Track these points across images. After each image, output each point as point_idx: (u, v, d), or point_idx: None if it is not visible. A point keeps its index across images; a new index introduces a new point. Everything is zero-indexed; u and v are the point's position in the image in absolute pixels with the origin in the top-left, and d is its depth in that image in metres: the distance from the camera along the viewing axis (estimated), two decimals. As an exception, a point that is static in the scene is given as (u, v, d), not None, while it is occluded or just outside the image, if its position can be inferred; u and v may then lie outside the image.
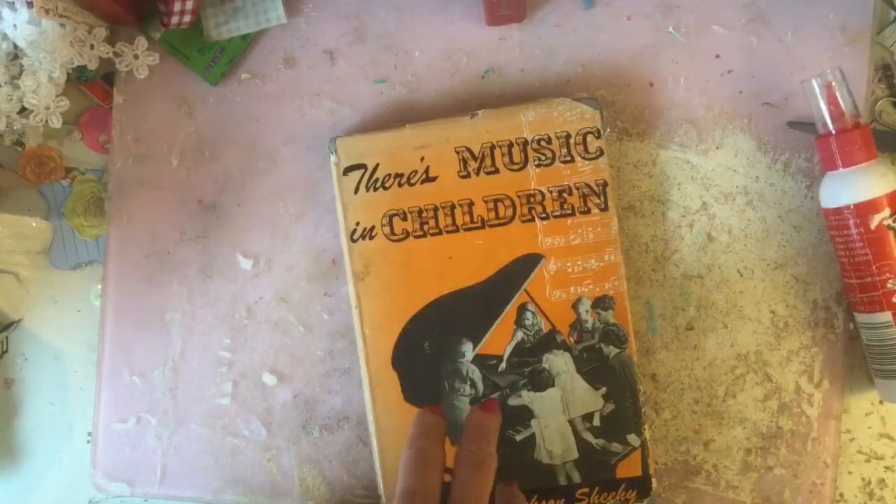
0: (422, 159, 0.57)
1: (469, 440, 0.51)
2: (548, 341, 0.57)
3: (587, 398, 0.56)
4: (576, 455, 0.56)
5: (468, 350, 0.57)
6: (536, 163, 0.56)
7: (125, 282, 0.61)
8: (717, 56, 0.58)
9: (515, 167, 0.57)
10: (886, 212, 0.52)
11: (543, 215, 0.56)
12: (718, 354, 0.58)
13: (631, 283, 0.58)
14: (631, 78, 0.59)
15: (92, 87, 0.62)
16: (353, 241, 0.57)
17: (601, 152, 0.56)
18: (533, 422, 0.57)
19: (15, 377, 0.64)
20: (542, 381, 0.57)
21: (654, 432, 0.58)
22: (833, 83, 0.53)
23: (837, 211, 0.54)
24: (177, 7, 0.57)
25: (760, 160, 0.58)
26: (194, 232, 0.61)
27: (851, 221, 0.53)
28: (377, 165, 0.57)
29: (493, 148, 0.57)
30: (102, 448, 0.61)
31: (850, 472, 0.59)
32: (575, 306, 0.56)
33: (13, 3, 0.56)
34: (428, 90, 0.60)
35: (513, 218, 0.56)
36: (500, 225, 0.57)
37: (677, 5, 0.58)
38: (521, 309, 0.56)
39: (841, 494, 0.59)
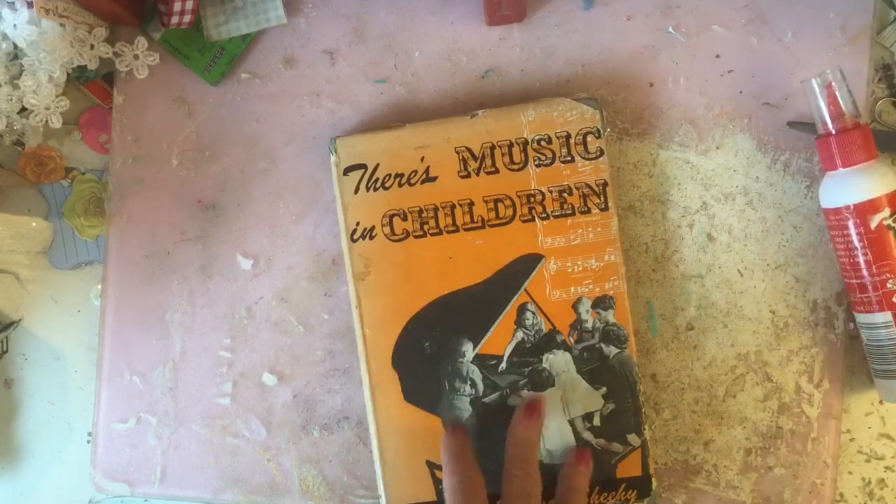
0: (422, 159, 0.57)
1: (514, 461, 0.53)
2: (548, 341, 0.57)
3: (587, 398, 0.56)
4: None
5: (468, 350, 0.57)
6: (536, 163, 0.56)
7: (125, 282, 0.61)
8: (717, 56, 0.58)
9: (515, 167, 0.57)
10: (886, 212, 0.52)
11: (543, 215, 0.56)
12: (718, 354, 0.58)
13: (631, 283, 0.58)
14: (631, 78, 0.59)
15: (92, 87, 0.62)
16: (353, 241, 0.57)
17: (601, 152, 0.56)
18: (533, 422, 0.57)
19: (15, 377, 0.64)
20: (542, 380, 0.57)
21: (654, 432, 0.58)
22: (833, 83, 0.53)
23: (837, 211, 0.54)
24: (177, 7, 0.57)
25: (760, 160, 0.58)
26: (194, 232, 0.61)
27: (851, 221, 0.53)
28: (377, 165, 0.57)
29: (493, 148, 0.57)
30: (102, 448, 0.61)
31: (850, 472, 0.59)
32: (575, 306, 0.56)
33: (13, 3, 0.56)
34: (428, 90, 0.60)
35: (513, 218, 0.56)
36: (500, 225, 0.57)
37: (677, 5, 0.58)
38: (522, 309, 0.56)
39: (841, 494, 0.59)
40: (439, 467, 0.56)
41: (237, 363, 0.61)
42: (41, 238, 0.64)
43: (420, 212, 0.57)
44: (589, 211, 0.56)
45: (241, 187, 0.61)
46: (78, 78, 0.61)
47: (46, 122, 0.60)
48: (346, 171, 0.57)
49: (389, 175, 0.57)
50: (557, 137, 0.56)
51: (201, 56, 0.60)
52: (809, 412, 0.58)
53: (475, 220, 0.57)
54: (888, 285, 0.53)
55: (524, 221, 0.56)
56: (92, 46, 0.59)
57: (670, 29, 0.58)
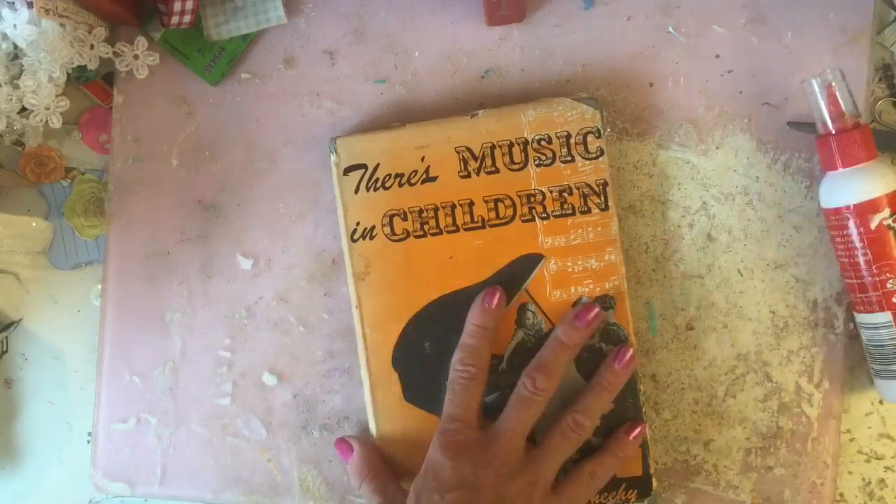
0: (422, 159, 0.57)
1: (534, 367, 0.54)
2: (548, 341, 0.56)
3: (587, 398, 0.56)
4: (576, 455, 0.56)
5: (468, 350, 0.57)
6: (537, 163, 0.56)
7: (125, 282, 0.61)
8: (717, 56, 0.58)
9: (516, 167, 0.57)
10: (886, 212, 0.52)
11: (544, 215, 0.56)
12: (718, 354, 0.58)
13: (631, 283, 0.58)
14: (631, 78, 0.59)
15: (92, 87, 0.62)
16: (354, 241, 0.57)
17: (601, 152, 0.56)
18: (533, 422, 0.56)
19: (15, 377, 0.64)
20: (542, 381, 0.56)
21: (654, 432, 0.58)
22: (833, 83, 0.53)
23: (837, 211, 0.54)
24: (177, 7, 0.57)
25: (760, 160, 0.58)
26: (194, 232, 0.61)
27: (851, 221, 0.53)
28: (377, 165, 0.57)
29: (493, 148, 0.57)
30: (102, 448, 0.61)
31: (850, 472, 0.59)
32: (575, 306, 0.56)
33: (13, 3, 0.55)
34: (428, 90, 0.60)
35: (513, 218, 0.56)
36: (500, 225, 0.57)
37: (677, 5, 0.58)
38: (522, 309, 0.56)
39: (841, 494, 0.59)
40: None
41: (237, 363, 0.61)
42: (41, 238, 0.64)
43: (420, 212, 0.57)
44: (589, 211, 0.56)
45: (241, 187, 0.61)
46: (78, 78, 0.61)
47: (46, 122, 0.60)
48: (347, 171, 0.57)
49: (389, 175, 0.57)
50: (557, 137, 0.56)
51: (201, 56, 0.60)
52: (809, 412, 0.58)
53: (475, 219, 0.57)
54: (888, 285, 0.53)
55: (524, 221, 0.56)
56: (92, 46, 0.59)
57: (670, 29, 0.58)
